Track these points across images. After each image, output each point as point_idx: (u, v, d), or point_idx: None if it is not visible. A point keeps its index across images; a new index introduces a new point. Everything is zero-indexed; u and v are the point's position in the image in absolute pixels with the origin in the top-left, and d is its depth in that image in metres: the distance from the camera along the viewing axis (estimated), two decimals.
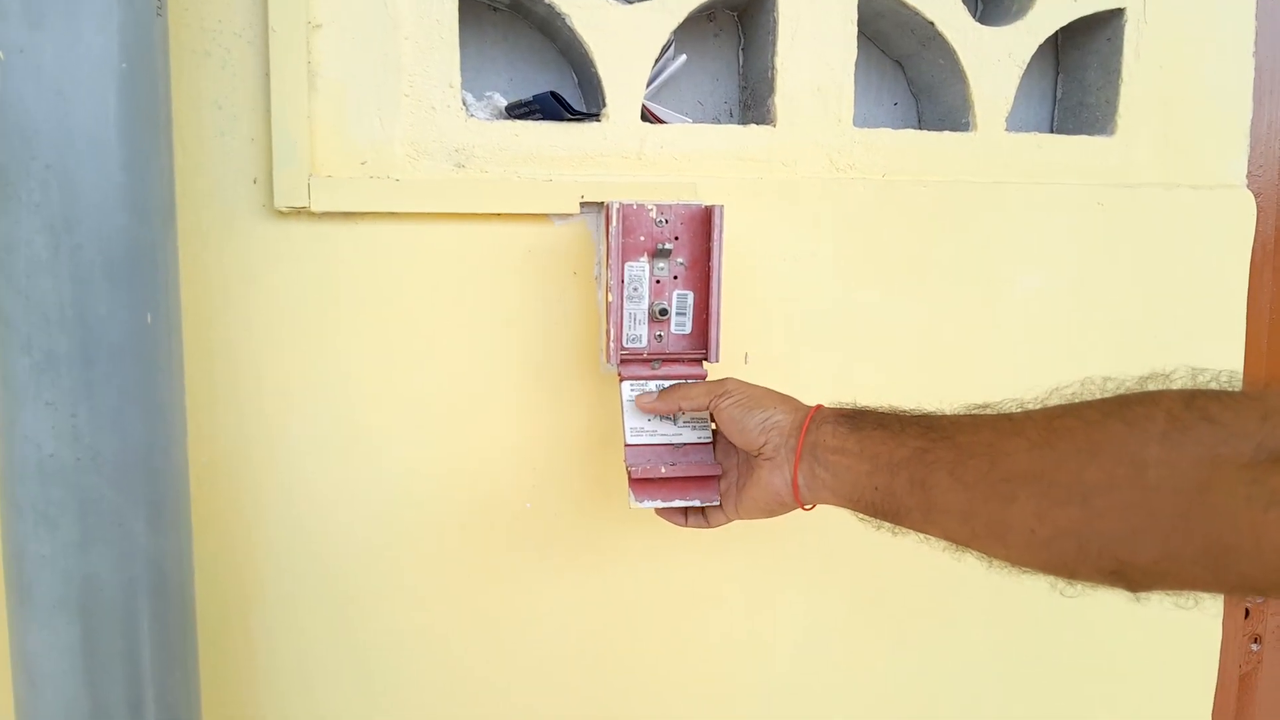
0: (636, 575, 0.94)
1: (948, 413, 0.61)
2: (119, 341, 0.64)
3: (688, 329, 0.84)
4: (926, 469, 0.58)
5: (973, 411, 0.59)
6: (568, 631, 0.93)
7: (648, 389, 0.81)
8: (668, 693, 0.97)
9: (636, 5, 0.87)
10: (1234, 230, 1.08)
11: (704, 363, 0.84)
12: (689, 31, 0.96)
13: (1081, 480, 0.49)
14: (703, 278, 0.83)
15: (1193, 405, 0.46)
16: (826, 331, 0.95)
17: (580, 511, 0.91)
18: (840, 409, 0.68)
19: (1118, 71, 1.02)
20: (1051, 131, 1.11)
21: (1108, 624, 1.10)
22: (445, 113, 0.83)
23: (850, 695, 1.03)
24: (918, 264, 0.97)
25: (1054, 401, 0.55)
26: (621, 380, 0.82)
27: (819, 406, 0.70)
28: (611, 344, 0.82)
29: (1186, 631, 1.14)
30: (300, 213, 0.80)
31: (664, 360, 0.84)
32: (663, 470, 0.77)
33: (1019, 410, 0.57)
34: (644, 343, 0.83)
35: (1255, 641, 1.32)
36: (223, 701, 0.83)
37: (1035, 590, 1.08)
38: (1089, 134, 1.04)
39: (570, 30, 0.86)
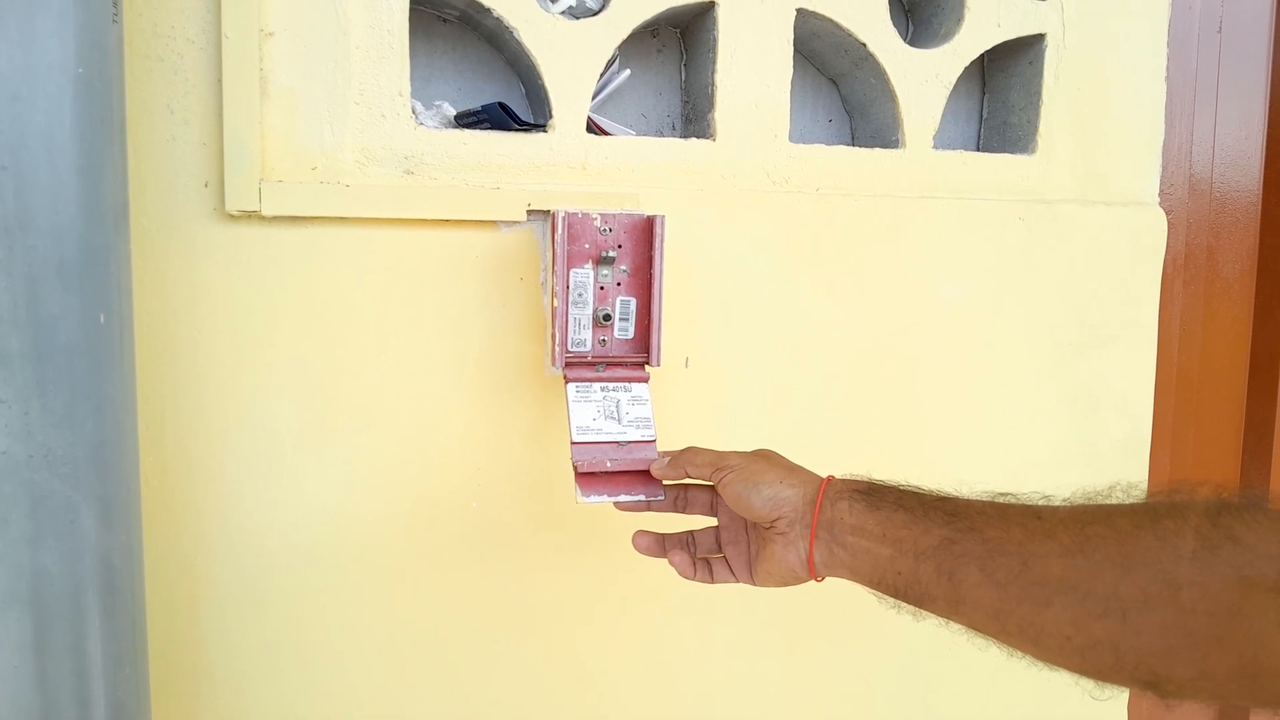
0: (581, 574, 0.96)
1: (968, 497, 0.62)
2: (72, 341, 0.65)
3: (630, 334, 0.87)
4: (955, 560, 0.58)
5: (996, 500, 0.60)
6: (513, 629, 0.95)
7: (592, 390, 0.84)
8: (611, 689, 0.99)
9: (582, 20, 0.90)
10: (1146, 246, 1.14)
11: (646, 366, 0.88)
12: (633, 47, 0.99)
13: (1118, 594, 0.50)
14: (645, 285, 0.87)
15: (1219, 524, 0.48)
16: (763, 337, 0.99)
17: (526, 511, 0.94)
18: (853, 482, 0.68)
19: (1038, 93, 1.08)
20: (978, 149, 1.16)
21: None
22: (395, 120, 0.85)
23: (788, 692, 1.06)
24: (850, 274, 1.01)
25: (1078, 500, 0.56)
26: (567, 382, 0.84)
27: (830, 479, 0.69)
28: (557, 348, 0.85)
29: None
30: (251, 216, 0.81)
31: (608, 364, 0.87)
32: (608, 464, 0.80)
33: (1045, 504, 0.57)
34: (588, 347, 0.86)
35: None
36: (172, 697, 0.84)
37: None
38: (1011, 152, 1.09)
39: (518, 43, 0.88)
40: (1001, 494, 0.61)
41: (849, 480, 0.68)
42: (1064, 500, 0.57)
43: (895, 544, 0.62)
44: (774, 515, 0.68)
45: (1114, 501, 0.55)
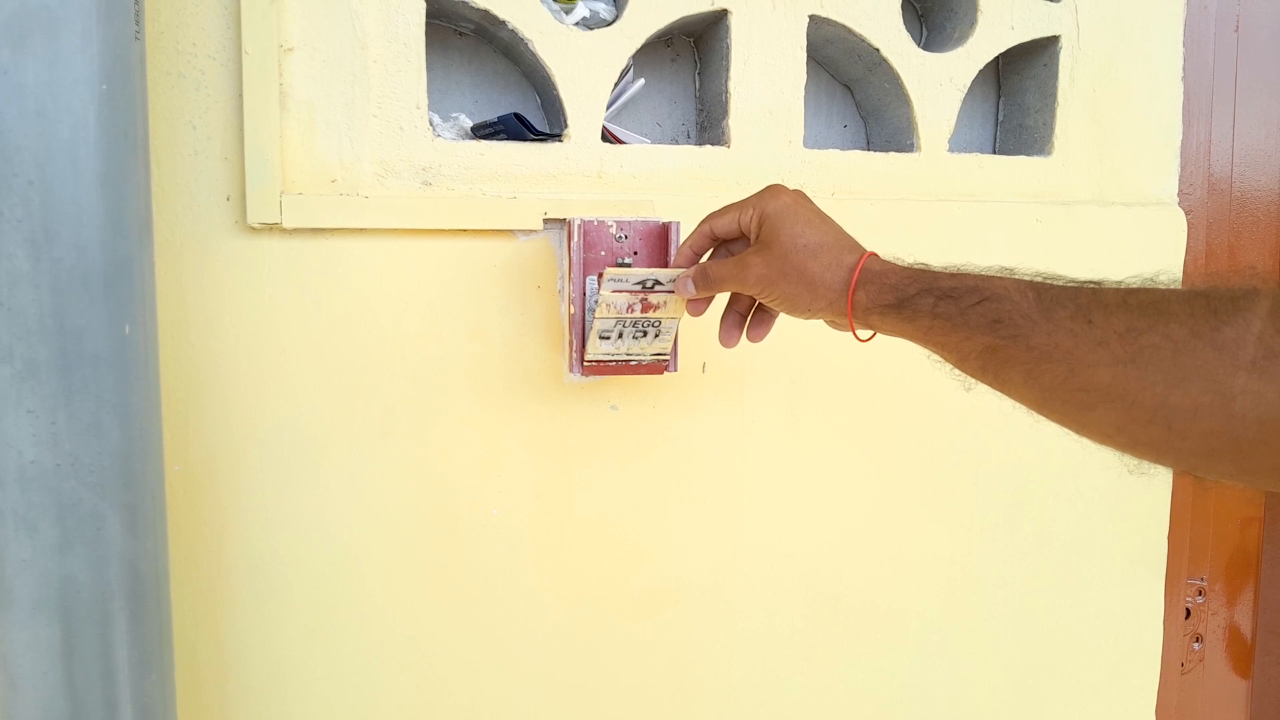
0: (601, 579, 0.97)
1: (1008, 288, 0.59)
2: (98, 351, 0.66)
3: None
4: (999, 365, 0.58)
5: (1040, 286, 0.58)
6: (533, 635, 0.95)
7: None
8: (631, 692, 0.99)
9: (597, 31, 0.91)
10: (1166, 245, 1.14)
11: (665, 372, 0.88)
12: (647, 56, 1.00)
13: (1167, 404, 0.49)
14: None
15: None
16: (779, 341, 0.99)
17: (546, 518, 0.94)
18: (881, 292, 0.65)
19: (1054, 95, 1.07)
20: (994, 152, 1.16)
21: (1055, 626, 1.15)
22: (412, 133, 0.86)
23: (807, 695, 1.06)
24: None
25: (1135, 283, 0.54)
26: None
27: (854, 291, 0.67)
28: (574, 354, 0.86)
29: (1130, 631, 1.19)
30: (272, 229, 0.82)
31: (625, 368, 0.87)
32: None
33: (1095, 296, 0.55)
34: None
35: (1197, 640, 1.37)
36: (197, 701, 0.85)
37: (983, 593, 1.11)
38: (1028, 154, 1.09)
39: (533, 55, 0.89)
40: (1048, 276, 0.59)
41: (878, 289, 0.66)
42: (1117, 283, 0.55)
43: (936, 347, 0.63)
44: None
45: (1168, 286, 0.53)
